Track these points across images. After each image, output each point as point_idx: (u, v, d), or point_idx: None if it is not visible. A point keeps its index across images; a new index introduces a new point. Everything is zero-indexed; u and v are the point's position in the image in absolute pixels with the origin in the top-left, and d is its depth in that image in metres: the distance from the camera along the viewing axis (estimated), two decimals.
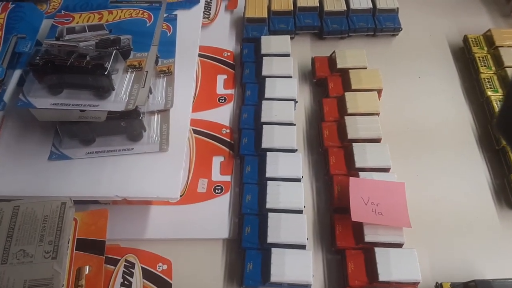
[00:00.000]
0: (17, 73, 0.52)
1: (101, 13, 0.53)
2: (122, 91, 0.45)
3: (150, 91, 0.50)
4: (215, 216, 0.50)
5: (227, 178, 0.53)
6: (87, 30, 0.51)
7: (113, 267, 0.46)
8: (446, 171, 0.54)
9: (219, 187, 0.52)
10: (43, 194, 0.44)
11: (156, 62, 0.52)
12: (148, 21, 0.52)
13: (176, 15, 0.59)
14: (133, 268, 0.46)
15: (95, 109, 0.44)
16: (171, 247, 0.48)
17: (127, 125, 0.47)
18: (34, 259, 0.37)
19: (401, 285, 0.43)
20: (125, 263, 0.46)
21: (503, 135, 0.37)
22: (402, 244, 0.45)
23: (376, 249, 0.44)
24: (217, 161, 0.54)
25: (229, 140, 0.56)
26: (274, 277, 0.43)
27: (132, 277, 0.46)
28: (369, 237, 0.45)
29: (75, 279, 0.41)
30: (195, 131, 0.57)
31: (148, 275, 0.46)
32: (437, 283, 0.45)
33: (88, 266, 0.42)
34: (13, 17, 0.55)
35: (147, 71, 0.48)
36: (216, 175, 0.53)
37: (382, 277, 0.42)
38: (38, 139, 0.49)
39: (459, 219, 0.51)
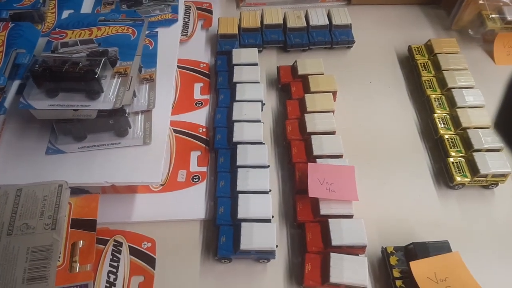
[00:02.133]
0: (16, 83, 0.59)
1: (91, 29, 0.61)
2: (110, 93, 0.53)
3: (135, 95, 0.57)
4: (193, 201, 0.57)
5: (204, 169, 0.60)
6: (78, 44, 0.59)
7: (103, 246, 0.52)
8: (393, 157, 0.63)
9: (197, 177, 0.59)
10: None
11: (140, 71, 0.60)
12: (132, 36, 0.60)
13: (157, 32, 0.67)
14: (121, 247, 0.53)
15: (87, 108, 0.52)
16: (155, 228, 0.54)
17: (114, 122, 0.54)
18: (35, 230, 0.44)
19: (351, 249, 0.51)
20: (114, 243, 0.53)
21: (501, 136, 0.38)
22: (352, 216, 0.53)
23: (330, 220, 0.52)
24: (194, 155, 0.62)
25: (205, 137, 0.64)
26: (244, 246, 0.50)
27: (120, 254, 0.52)
28: (324, 210, 0.53)
29: (70, 255, 0.47)
30: (175, 131, 0.64)
31: (134, 252, 0.52)
32: (382, 247, 0.52)
33: (81, 241, 0.48)
34: (13, 34, 0.62)
35: (132, 76, 0.55)
36: (194, 167, 0.61)
37: (335, 242, 0.50)
38: (35, 137, 0.55)
39: (404, 198, 0.59)
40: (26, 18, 0.66)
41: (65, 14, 0.68)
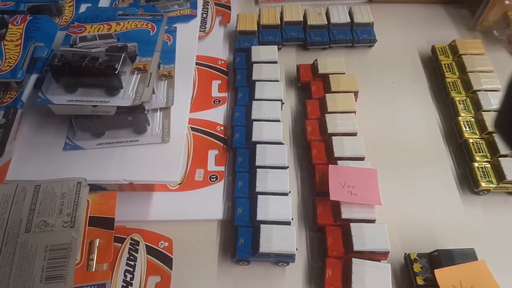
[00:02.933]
0: (33, 77, 0.58)
1: (110, 24, 0.60)
2: (130, 90, 0.52)
3: (153, 91, 0.56)
4: (211, 200, 0.56)
5: (221, 168, 0.59)
6: (97, 39, 0.58)
7: (120, 244, 0.52)
8: (415, 161, 0.61)
9: (214, 176, 0.58)
10: None
11: (159, 67, 0.59)
12: (151, 31, 0.59)
13: (175, 27, 0.66)
14: (138, 245, 0.52)
15: (106, 104, 0.51)
16: (172, 227, 0.54)
17: (133, 119, 0.53)
18: (54, 228, 0.43)
19: (373, 255, 0.49)
20: (131, 241, 0.52)
21: (501, 136, 0.38)
22: (374, 220, 0.52)
23: (352, 224, 0.50)
24: (212, 154, 0.61)
25: (223, 136, 0.63)
26: (263, 248, 0.49)
27: (137, 253, 0.51)
28: (345, 214, 0.51)
29: (87, 253, 0.47)
30: (193, 129, 0.63)
31: (151, 251, 0.52)
32: (405, 253, 0.51)
33: (98, 239, 0.47)
34: (31, 27, 0.61)
35: (151, 73, 0.54)
36: (212, 166, 0.60)
37: (357, 247, 0.49)
38: (53, 132, 0.55)
39: (426, 203, 0.57)
40: (44, 11, 0.65)
41: (83, 7, 0.67)
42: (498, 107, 0.36)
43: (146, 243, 0.52)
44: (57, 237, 0.43)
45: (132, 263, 0.50)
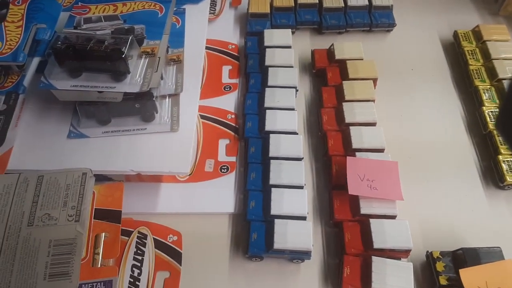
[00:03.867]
0: (36, 60, 0.55)
1: (116, 4, 0.57)
2: (137, 75, 0.49)
3: (162, 77, 0.53)
4: (222, 193, 0.53)
5: (233, 158, 0.57)
6: (103, 20, 0.55)
7: (127, 238, 0.49)
8: (436, 152, 0.58)
9: (225, 167, 0.56)
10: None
11: (167, 51, 0.56)
12: (159, 12, 0.56)
13: (184, 9, 0.63)
14: (146, 239, 0.50)
15: (112, 90, 0.48)
16: (181, 220, 0.51)
17: (141, 106, 0.51)
18: (58, 222, 0.41)
19: (394, 253, 0.47)
20: (138, 235, 0.50)
21: (503, 135, 0.38)
22: (395, 216, 0.49)
23: (371, 220, 0.48)
24: (223, 143, 0.58)
25: (234, 124, 0.60)
26: (277, 245, 0.46)
27: (144, 247, 0.49)
28: (364, 209, 0.49)
29: (93, 247, 0.44)
30: (202, 117, 0.60)
31: (159, 245, 0.49)
32: (428, 251, 0.48)
33: (104, 233, 0.45)
34: (33, 8, 0.58)
35: (159, 57, 0.51)
36: (222, 156, 0.57)
37: (377, 245, 0.46)
38: (56, 119, 0.52)
39: (448, 197, 0.54)
40: None
41: None
42: (500, 107, 0.34)
43: (154, 236, 0.50)
44: (62, 231, 0.40)
45: (140, 257, 0.48)
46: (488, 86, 0.62)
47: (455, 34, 0.70)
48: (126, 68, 0.48)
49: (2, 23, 0.53)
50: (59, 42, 0.48)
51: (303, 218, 0.49)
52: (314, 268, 0.49)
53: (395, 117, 0.61)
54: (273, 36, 0.66)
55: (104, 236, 0.45)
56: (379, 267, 0.45)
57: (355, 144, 0.54)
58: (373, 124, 0.57)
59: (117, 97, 0.48)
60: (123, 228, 0.49)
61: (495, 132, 0.57)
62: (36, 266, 0.38)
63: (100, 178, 0.51)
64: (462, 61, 0.67)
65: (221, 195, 0.53)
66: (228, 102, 0.62)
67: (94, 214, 0.45)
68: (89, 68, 0.49)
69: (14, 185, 0.43)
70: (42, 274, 0.38)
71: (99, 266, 0.43)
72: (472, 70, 0.64)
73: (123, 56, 0.47)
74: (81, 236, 0.40)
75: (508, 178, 0.53)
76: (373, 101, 0.59)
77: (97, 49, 0.47)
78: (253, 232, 0.48)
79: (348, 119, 0.56)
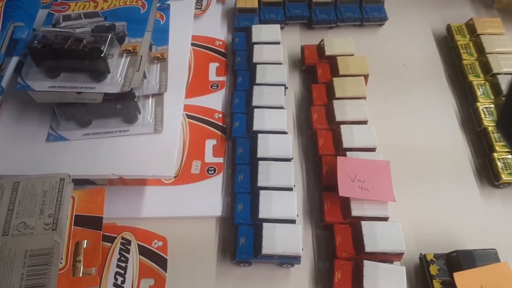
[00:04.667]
0: (14, 60, 0.53)
1: (96, 1, 0.54)
2: (118, 74, 0.47)
3: (145, 76, 0.51)
4: (209, 195, 0.52)
5: (220, 160, 0.55)
6: (82, 17, 0.53)
7: (110, 244, 0.48)
8: (429, 151, 0.57)
9: (212, 168, 0.54)
10: (41, 173, 0.45)
11: (150, 49, 0.54)
12: (142, 9, 0.54)
13: (169, 4, 0.61)
14: (129, 245, 0.48)
15: (92, 91, 0.46)
16: (166, 225, 0.49)
17: (122, 107, 0.49)
18: (34, 231, 0.39)
19: (386, 256, 0.45)
20: (122, 240, 0.48)
21: (503, 135, 0.37)
22: (387, 218, 0.47)
23: (363, 223, 0.46)
24: (210, 144, 0.56)
25: (221, 124, 0.58)
26: (266, 250, 0.44)
27: (128, 253, 0.47)
28: (356, 211, 0.47)
29: (73, 255, 0.43)
30: (189, 116, 0.58)
31: (144, 251, 0.48)
32: (421, 254, 0.47)
33: (86, 241, 0.43)
34: (10, 5, 0.56)
35: (141, 56, 0.49)
36: (209, 157, 0.55)
37: (368, 248, 0.44)
38: (35, 121, 0.50)
39: (442, 197, 0.53)
40: None
41: None
42: (500, 108, 0.33)
43: (139, 242, 0.48)
44: (38, 241, 0.38)
45: (123, 264, 0.46)
46: (482, 81, 0.61)
47: (448, 28, 0.68)
48: (105, 67, 0.46)
49: None
50: (36, 41, 0.46)
51: (293, 221, 0.47)
52: (305, 272, 0.47)
53: (387, 114, 0.60)
54: (261, 32, 0.64)
55: (86, 243, 0.43)
56: (371, 271, 0.43)
57: (345, 143, 0.52)
58: (364, 122, 0.55)
59: (97, 98, 0.46)
60: (106, 234, 0.47)
61: (489, 129, 0.55)
62: (11, 278, 0.37)
63: (82, 181, 0.49)
64: (456, 56, 0.65)
65: (208, 198, 0.52)
66: (215, 101, 0.60)
67: (74, 221, 0.44)
68: (68, 68, 0.47)
69: None
70: (17, 286, 0.36)
71: (80, 275, 0.42)
72: (466, 64, 0.63)
73: (102, 55, 0.45)
74: (58, 246, 0.38)
75: (503, 176, 0.52)
76: (364, 98, 0.57)
77: (75, 48, 0.46)
78: (240, 236, 0.47)
79: (338, 117, 0.55)
